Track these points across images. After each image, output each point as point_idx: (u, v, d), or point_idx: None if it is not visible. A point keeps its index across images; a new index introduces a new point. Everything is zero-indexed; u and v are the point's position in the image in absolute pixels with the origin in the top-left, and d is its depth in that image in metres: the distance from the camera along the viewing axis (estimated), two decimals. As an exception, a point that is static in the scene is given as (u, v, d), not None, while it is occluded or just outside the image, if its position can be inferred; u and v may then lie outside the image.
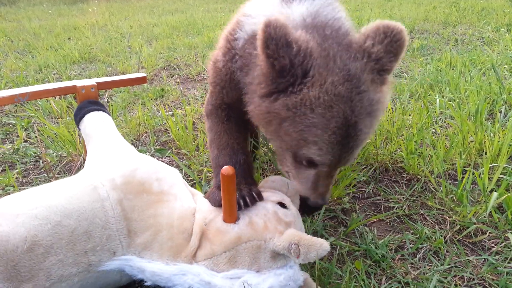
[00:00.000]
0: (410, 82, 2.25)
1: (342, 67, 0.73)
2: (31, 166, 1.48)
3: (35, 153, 1.56)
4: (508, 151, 1.31)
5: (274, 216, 0.81)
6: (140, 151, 1.55)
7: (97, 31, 4.54)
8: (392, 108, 1.77)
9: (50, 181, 1.35)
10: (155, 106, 2.08)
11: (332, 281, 0.92)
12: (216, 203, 0.86)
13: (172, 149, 1.57)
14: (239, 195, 0.83)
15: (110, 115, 1.19)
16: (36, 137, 1.68)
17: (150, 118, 1.81)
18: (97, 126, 1.09)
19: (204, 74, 2.71)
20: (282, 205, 0.85)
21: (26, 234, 0.71)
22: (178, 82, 2.57)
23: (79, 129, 1.17)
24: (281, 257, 0.79)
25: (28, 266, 0.70)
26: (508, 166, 1.28)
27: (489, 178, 1.24)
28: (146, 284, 0.79)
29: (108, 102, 2.17)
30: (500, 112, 1.70)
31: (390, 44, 0.77)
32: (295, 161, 0.82)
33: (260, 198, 0.86)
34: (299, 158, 0.80)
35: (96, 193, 0.80)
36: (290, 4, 0.87)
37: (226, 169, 0.76)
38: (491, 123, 1.64)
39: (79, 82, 1.22)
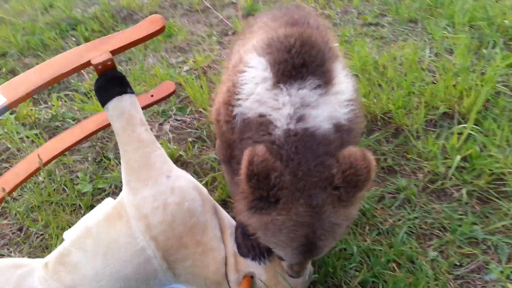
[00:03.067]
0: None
1: (307, 199, 0.81)
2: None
3: (72, 117, 1.80)
4: (481, 104, 1.53)
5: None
6: (163, 111, 1.79)
7: None
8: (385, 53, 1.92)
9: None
10: (166, 52, 2.23)
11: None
12: (245, 254, 1.05)
13: (191, 108, 1.79)
14: None
15: (133, 92, 1.15)
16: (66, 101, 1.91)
17: (165, 70, 2.00)
18: (127, 123, 1.10)
19: (207, 2, 2.74)
20: None
21: None
22: (182, 14, 2.64)
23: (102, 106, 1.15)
24: None
25: None
26: (477, 126, 1.52)
27: (459, 134, 1.48)
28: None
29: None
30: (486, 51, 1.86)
31: (352, 177, 0.78)
32: (276, 253, 0.94)
33: None
34: (276, 253, 0.93)
35: (145, 254, 1.00)
36: (280, 91, 0.88)
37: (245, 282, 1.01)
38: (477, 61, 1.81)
39: (93, 59, 1.15)
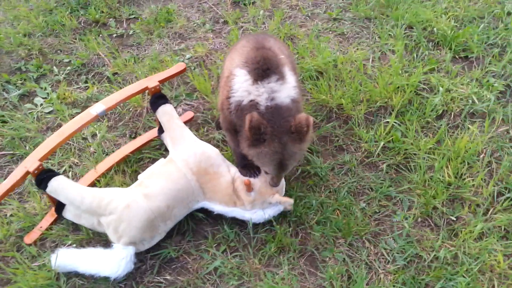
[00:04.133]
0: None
1: (279, 139, 1.52)
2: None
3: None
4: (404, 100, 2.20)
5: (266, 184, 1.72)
6: (176, 96, 2.34)
7: None
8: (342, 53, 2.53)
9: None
10: (169, 39, 2.71)
11: (298, 193, 1.92)
12: (244, 174, 1.74)
13: (197, 94, 2.35)
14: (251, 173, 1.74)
15: (170, 102, 1.90)
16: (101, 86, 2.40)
17: (171, 57, 2.51)
18: (168, 119, 1.84)
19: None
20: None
21: (166, 204, 1.63)
22: (177, -2, 3.07)
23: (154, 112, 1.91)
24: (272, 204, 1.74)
25: (168, 216, 1.65)
26: (402, 116, 2.20)
27: (386, 123, 2.16)
28: (214, 213, 1.76)
29: (131, 33, 2.77)
30: (417, 54, 2.51)
31: (299, 128, 1.50)
32: (264, 170, 1.69)
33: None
34: (264, 170, 1.68)
35: (186, 178, 1.67)
36: (258, 86, 1.55)
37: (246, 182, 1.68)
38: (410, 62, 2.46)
39: (149, 86, 1.86)
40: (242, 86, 1.60)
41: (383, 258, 1.72)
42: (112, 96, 1.85)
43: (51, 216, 1.80)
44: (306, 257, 1.72)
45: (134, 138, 2.12)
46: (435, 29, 2.72)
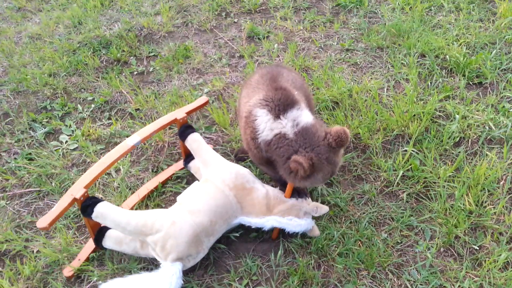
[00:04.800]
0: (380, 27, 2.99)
1: (327, 159, 1.56)
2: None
3: (126, 135, 2.39)
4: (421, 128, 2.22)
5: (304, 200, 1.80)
6: (196, 129, 2.40)
7: None
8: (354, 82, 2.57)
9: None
10: (187, 74, 2.81)
11: (321, 222, 1.93)
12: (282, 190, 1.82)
13: (215, 127, 2.41)
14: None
15: (196, 131, 2.00)
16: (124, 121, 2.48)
17: (190, 92, 2.59)
18: (198, 145, 1.94)
19: (213, 23, 3.29)
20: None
21: (209, 219, 1.69)
22: (194, 34, 3.19)
23: (183, 141, 2.00)
24: (308, 214, 1.79)
25: (211, 231, 1.70)
26: (420, 144, 2.22)
27: (404, 152, 2.17)
28: (251, 227, 1.81)
29: (151, 70, 2.88)
30: (431, 82, 2.54)
31: (340, 142, 1.55)
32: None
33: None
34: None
35: (224, 194, 1.74)
36: (279, 120, 1.61)
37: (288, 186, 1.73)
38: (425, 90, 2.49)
39: (178, 117, 1.99)
40: (266, 126, 1.65)
41: (407, 290, 1.71)
42: (146, 128, 1.96)
43: (89, 248, 1.86)
44: (329, 290, 1.72)
45: (157, 172, 2.18)
46: (447, 56, 2.76)
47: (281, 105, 1.64)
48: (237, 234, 1.86)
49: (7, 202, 2.10)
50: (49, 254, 1.84)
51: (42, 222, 1.61)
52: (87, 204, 1.69)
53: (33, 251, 1.89)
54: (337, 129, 1.56)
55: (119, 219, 1.67)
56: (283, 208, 1.76)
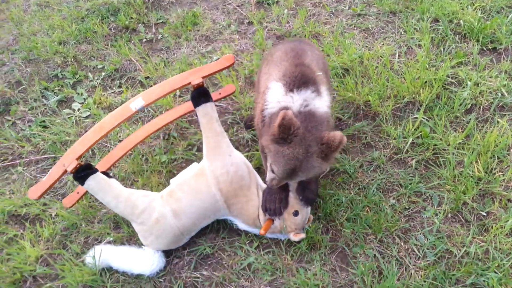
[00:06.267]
0: None
1: (306, 146, 1.43)
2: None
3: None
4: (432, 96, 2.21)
5: (291, 218, 1.73)
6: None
7: None
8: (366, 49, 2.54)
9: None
10: (196, 42, 2.79)
11: (328, 191, 1.96)
12: (266, 210, 1.69)
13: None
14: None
15: (213, 101, 1.83)
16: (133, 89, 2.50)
17: (199, 60, 2.59)
18: (207, 121, 1.79)
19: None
20: (296, 212, 1.73)
21: (192, 222, 1.71)
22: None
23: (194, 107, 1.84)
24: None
25: (193, 230, 1.73)
26: (430, 111, 2.20)
27: (414, 119, 2.16)
28: (237, 227, 1.80)
29: (160, 37, 2.86)
30: (444, 48, 2.50)
31: (331, 144, 1.40)
32: (271, 168, 1.55)
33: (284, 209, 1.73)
34: (271, 168, 1.53)
35: (215, 198, 1.70)
36: (291, 94, 1.52)
37: (268, 221, 1.69)
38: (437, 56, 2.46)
39: (192, 81, 1.78)
40: (275, 98, 1.57)
41: (413, 254, 1.75)
42: (152, 90, 1.76)
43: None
44: (337, 253, 1.77)
45: (167, 139, 2.21)
46: (461, 21, 2.70)
47: (296, 81, 1.55)
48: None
49: (24, 168, 2.16)
50: (67, 217, 1.90)
51: (33, 193, 1.62)
52: (79, 176, 1.66)
53: (51, 215, 1.96)
54: (336, 132, 1.43)
55: (108, 199, 1.69)
56: (269, 227, 1.73)
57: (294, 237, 1.72)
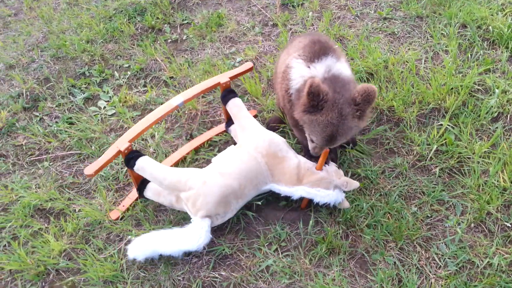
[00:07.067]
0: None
1: (338, 110, 1.51)
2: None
3: (161, 102, 2.45)
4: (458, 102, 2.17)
5: (336, 171, 1.80)
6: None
7: None
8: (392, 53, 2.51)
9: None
10: (220, 43, 2.81)
11: (347, 196, 1.95)
12: (313, 160, 1.81)
13: (247, 97, 2.43)
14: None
15: (238, 96, 2.05)
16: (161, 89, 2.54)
17: (223, 61, 2.61)
18: (238, 110, 1.99)
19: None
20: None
21: (238, 183, 1.73)
22: (227, 1, 3.16)
23: (224, 105, 2.06)
24: (338, 188, 1.79)
25: (239, 194, 1.75)
26: (456, 118, 2.16)
27: (439, 126, 2.13)
28: (280, 196, 1.84)
29: (185, 38, 2.89)
30: (472, 54, 2.45)
31: (367, 97, 1.48)
32: (310, 138, 1.69)
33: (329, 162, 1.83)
34: (310, 138, 1.67)
35: (256, 160, 1.78)
36: (313, 65, 1.61)
37: (324, 152, 1.72)
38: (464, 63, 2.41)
39: (221, 82, 2.03)
40: (299, 73, 1.66)
41: (434, 263, 1.73)
42: (189, 90, 2.02)
43: (132, 196, 2.00)
44: (356, 260, 1.76)
45: (190, 139, 2.23)
46: (490, 27, 2.64)
47: (316, 53, 1.64)
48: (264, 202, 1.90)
49: (50, 164, 2.22)
50: (90, 213, 1.95)
51: (89, 169, 1.74)
52: (130, 157, 1.81)
53: (75, 210, 2.01)
54: (366, 84, 1.51)
55: (157, 173, 1.78)
56: (312, 179, 1.78)
57: (347, 179, 1.81)
